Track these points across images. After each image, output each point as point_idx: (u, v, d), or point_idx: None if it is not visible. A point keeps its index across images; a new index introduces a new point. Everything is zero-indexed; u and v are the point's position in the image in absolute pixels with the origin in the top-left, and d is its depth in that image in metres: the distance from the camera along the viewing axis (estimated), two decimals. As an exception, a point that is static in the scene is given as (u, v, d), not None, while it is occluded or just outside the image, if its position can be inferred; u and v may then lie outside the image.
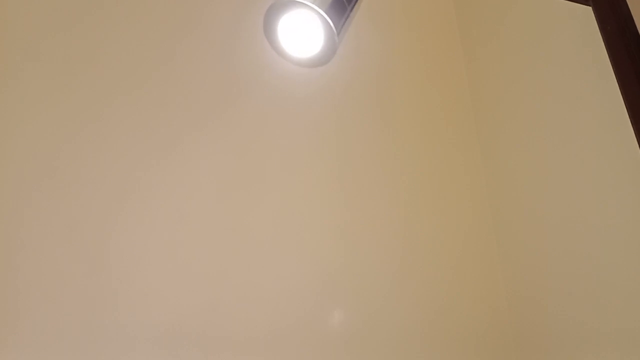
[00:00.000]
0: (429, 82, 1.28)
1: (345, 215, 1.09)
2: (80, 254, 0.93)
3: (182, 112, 1.08)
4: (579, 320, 0.93)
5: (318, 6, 0.73)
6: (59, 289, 0.90)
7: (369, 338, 1.00)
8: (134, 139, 1.03)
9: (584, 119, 0.95)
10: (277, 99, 1.12)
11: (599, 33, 0.85)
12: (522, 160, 1.13)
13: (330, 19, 0.73)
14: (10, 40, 1.03)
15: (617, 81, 0.82)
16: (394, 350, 1.00)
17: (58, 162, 0.99)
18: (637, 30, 0.78)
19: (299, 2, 0.73)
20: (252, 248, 1.02)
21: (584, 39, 0.94)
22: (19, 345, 0.85)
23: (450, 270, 1.11)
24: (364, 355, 0.98)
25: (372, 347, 1.00)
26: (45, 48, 1.05)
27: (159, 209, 1.00)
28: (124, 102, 1.06)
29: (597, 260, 0.90)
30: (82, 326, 0.88)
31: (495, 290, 1.11)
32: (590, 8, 0.88)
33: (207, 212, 1.02)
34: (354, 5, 0.77)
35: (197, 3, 1.16)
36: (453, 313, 1.07)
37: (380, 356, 0.99)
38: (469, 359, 1.03)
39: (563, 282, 0.98)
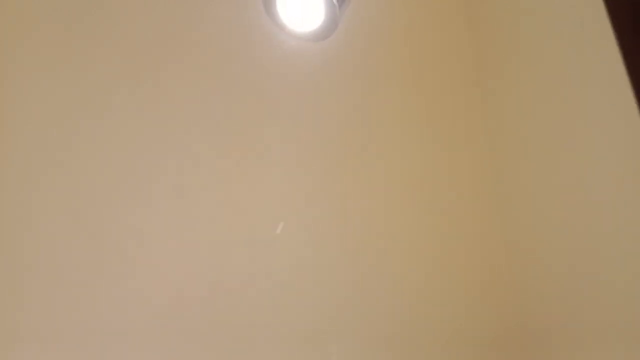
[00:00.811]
0: (436, 68, 1.24)
1: (346, 204, 1.07)
2: (81, 245, 0.93)
3: (178, 88, 1.07)
4: (584, 317, 0.92)
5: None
6: (60, 280, 0.90)
7: (366, 335, 1.00)
8: (134, 128, 1.02)
9: (593, 113, 0.92)
10: (277, 73, 1.09)
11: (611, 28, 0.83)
12: (528, 155, 1.10)
13: (332, -8, 0.71)
14: (16, 36, 1.01)
15: (628, 75, 0.80)
16: (394, 344, 1.00)
17: (60, 155, 0.98)
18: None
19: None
20: (251, 238, 1.01)
21: (592, 25, 0.91)
22: (20, 335, 0.86)
23: (455, 267, 1.09)
24: (362, 350, 0.99)
25: (371, 343, 1.00)
26: (49, 44, 1.04)
27: (160, 201, 0.99)
28: (123, 90, 1.05)
29: (603, 258, 0.88)
30: (84, 317, 0.88)
31: (501, 286, 1.10)
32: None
33: (206, 199, 1.02)
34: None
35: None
36: (458, 310, 1.05)
37: (379, 351, 1.00)
38: (473, 357, 1.03)
39: (569, 278, 0.97)
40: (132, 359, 0.89)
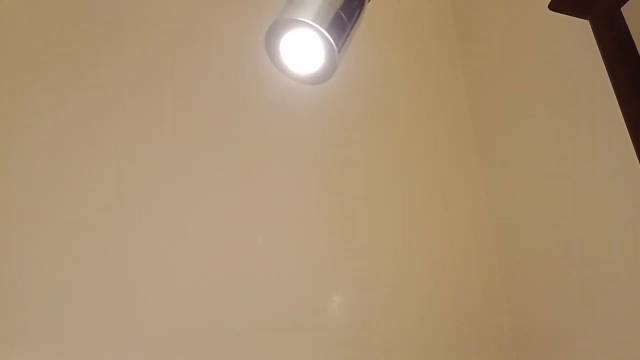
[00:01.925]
0: (429, 94, 1.30)
1: (345, 223, 1.10)
2: (82, 258, 0.94)
3: (185, 126, 1.09)
4: (579, 320, 0.93)
5: (319, 24, 0.74)
6: (61, 293, 0.90)
7: (366, 336, 1.01)
8: (136, 149, 1.04)
9: (581, 130, 0.96)
10: (278, 115, 1.13)
11: (597, 46, 0.86)
12: (520, 163, 1.14)
13: (331, 36, 0.74)
14: (19, 49, 1.05)
15: (615, 93, 0.83)
16: (391, 347, 1.01)
17: (62, 168, 0.99)
18: (634, 45, 0.79)
19: (300, 20, 0.74)
20: (252, 257, 1.03)
21: (582, 52, 0.95)
22: (20, 347, 0.85)
23: (449, 270, 1.11)
24: (361, 353, 0.99)
25: (370, 345, 1.00)
26: (51, 57, 1.07)
27: (160, 216, 1.01)
28: (126, 112, 1.07)
29: (598, 260, 0.90)
30: (83, 328, 0.88)
31: (494, 290, 1.12)
32: (587, 21, 0.90)
33: (207, 222, 1.03)
34: (354, 22, 0.78)
35: (199, 21, 1.18)
36: (451, 313, 1.07)
37: (378, 353, 1.00)
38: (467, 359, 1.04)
39: (564, 281, 0.98)
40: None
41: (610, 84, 0.84)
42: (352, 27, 0.77)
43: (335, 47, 0.75)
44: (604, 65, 0.85)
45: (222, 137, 1.10)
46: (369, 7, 0.82)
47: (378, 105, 1.23)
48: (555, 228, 1.01)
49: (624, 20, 0.82)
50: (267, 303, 0.99)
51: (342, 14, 0.76)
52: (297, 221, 1.08)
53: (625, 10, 0.81)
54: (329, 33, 0.74)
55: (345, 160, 1.15)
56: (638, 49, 0.79)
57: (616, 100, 0.82)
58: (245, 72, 1.13)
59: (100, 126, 1.05)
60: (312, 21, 0.73)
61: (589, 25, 0.88)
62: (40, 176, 0.97)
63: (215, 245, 1.02)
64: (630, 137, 0.78)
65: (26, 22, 1.07)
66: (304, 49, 0.78)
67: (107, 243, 0.96)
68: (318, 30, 0.73)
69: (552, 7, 0.91)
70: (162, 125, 1.08)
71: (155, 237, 0.99)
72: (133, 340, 0.90)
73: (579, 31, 0.95)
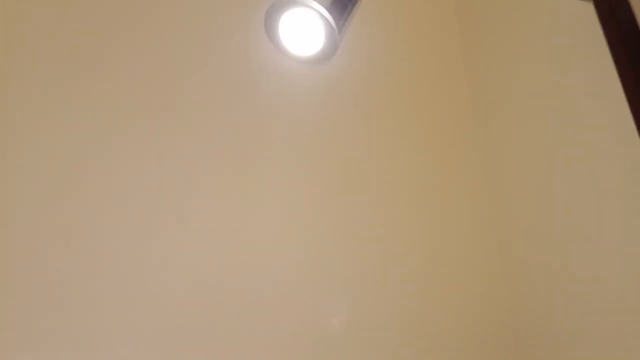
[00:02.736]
0: (429, 80, 1.28)
1: (345, 213, 1.09)
2: (78, 255, 0.94)
3: (182, 111, 1.09)
4: (578, 318, 0.94)
5: (319, 4, 0.73)
6: (58, 291, 0.91)
7: (367, 338, 1.01)
8: (133, 138, 1.04)
9: (585, 117, 0.95)
10: (278, 97, 1.12)
11: (600, 30, 0.85)
12: (522, 161, 1.12)
13: (332, 17, 0.73)
14: (18, 46, 1.04)
15: (620, 79, 0.82)
16: (392, 349, 1.01)
17: (56, 161, 0.99)
18: (637, 27, 0.78)
19: (300, 1, 0.73)
20: (252, 248, 1.03)
21: (585, 35, 0.94)
22: (19, 346, 0.86)
23: (449, 270, 1.11)
24: (363, 355, 0.99)
25: (371, 348, 1.00)
26: (48, 51, 1.06)
27: (158, 208, 1.01)
28: (122, 102, 1.07)
29: (597, 259, 0.90)
30: (80, 326, 0.89)
31: (496, 288, 1.11)
32: (591, 4, 0.88)
33: (206, 209, 1.03)
34: (355, 3, 0.77)
35: (199, 3, 1.16)
36: (454, 313, 1.07)
37: (379, 356, 1.00)
38: (468, 358, 1.04)
39: (563, 280, 0.98)
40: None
41: (614, 67, 0.83)
42: (352, 8, 0.76)
43: (335, 27, 0.74)
44: (607, 50, 0.85)
45: (220, 120, 1.09)
46: (370, -12, 0.80)
47: (378, 86, 1.22)
48: (555, 227, 1.00)
49: (629, 4, 0.81)
50: (264, 287, 0.99)
51: (343, -6, 0.75)
52: (295, 206, 1.08)
53: (630, -7, 0.80)
54: (329, 13, 0.73)
55: (345, 142, 1.15)
56: (642, 32, 0.78)
57: (620, 85, 0.81)
58: (244, 54, 1.12)
59: (97, 114, 1.04)
60: (313, 1, 0.72)
61: (593, 8, 0.87)
62: (37, 174, 0.97)
63: (213, 232, 1.01)
64: (635, 126, 0.78)
65: (26, 21, 1.06)
66: (303, 30, 0.77)
67: (102, 237, 0.96)
68: (318, 11, 0.73)
69: (556, -11, 0.89)
70: (159, 111, 1.07)
71: (152, 232, 0.99)
72: (133, 339, 0.90)
73: (582, 14, 0.93)
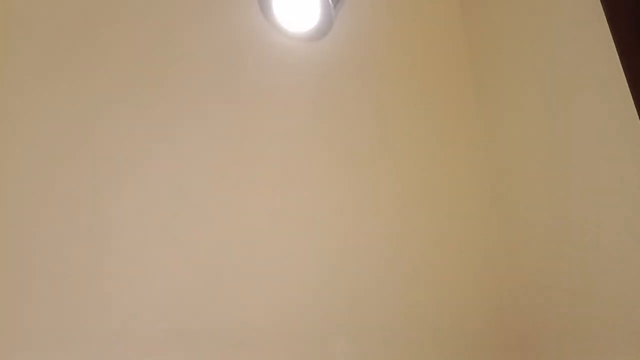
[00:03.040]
0: (432, 67, 1.24)
1: (343, 197, 1.08)
2: (74, 241, 0.93)
3: (178, 90, 1.07)
4: (582, 318, 0.93)
5: (314, -22, 0.71)
6: (58, 290, 0.90)
7: (367, 338, 1.00)
8: (129, 118, 1.02)
9: (582, 85, 0.93)
10: (273, 74, 1.10)
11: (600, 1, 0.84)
12: (527, 155, 1.10)
13: (327, -9, 0.72)
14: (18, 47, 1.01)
15: (617, 49, 0.81)
16: (392, 348, 1.01)
17: (57, 159, 0.98)
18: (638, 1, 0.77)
19: (294, -26, 0.71)
20: (249, 232, 1.01)
21: (584, 6, 0.92)
22: (20, 346, 0.86)
23: (456, 268, 1.09)
24: (365, 348, 0.99)
25: (371, 347, 1.00)
26: (38, 22, 1.03)
27: (154, 192, 0.99)
28: (117, 81, 1.04)
29: (601, 258, 0.88)
30: (80, 326, 0.88)
31: (500, 287, 1.10)
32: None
33: (202, 192, 1.01)
34: (350, -24, 0.76)
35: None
36: (457, 310, 1.06)
37: (380, 348, 1.00)
38: (472, 357, 1.04)
39: (567, 279, 0.97)
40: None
41: (612, 40, 0.81)
42: (348, -18, 0.75)
43: (331, 2, 0.72)
44: (606, 21, 0.83)
45: (215, 99, 1.07)
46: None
47: (375, 62, 1.19)
48: (560, 226, 0.98)
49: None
50: (262, 266, 0.99)
51: (338, -33, 0.73)
52: (295, 182, 1.07)
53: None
54: (324, -12, 0.71)
55: (340, 120, 1.13)
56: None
57: (617, 55, 0.80)
58: (237, 30, 1.09)
59: (93, 92, 1.02)
60: (307, -25, 0.70)
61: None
62: (36, 173, 0.96)
63: (211, 207, 1.01)
64: (631, 93, 0.77)
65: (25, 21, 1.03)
66: (298, 5, 0.76)
67: (102, 237, 0.95)
68: (313, -15, 0.71)
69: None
70: (155, 91, 1.05)
71: (149, 217, 0.97)
72: (132, 338, 0.90)
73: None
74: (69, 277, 0.92)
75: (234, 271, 0.98)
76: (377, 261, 1.06)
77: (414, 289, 1.06)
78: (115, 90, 1.04)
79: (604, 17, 0.84)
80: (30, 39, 1.03)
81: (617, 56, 0.81)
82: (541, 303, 1.05)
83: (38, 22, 1.04)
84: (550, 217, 1.03)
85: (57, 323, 0.89)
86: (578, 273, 0.95)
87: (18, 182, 0.96)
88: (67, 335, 0.88)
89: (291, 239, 1.02)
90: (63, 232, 0.94)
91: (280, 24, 0.79)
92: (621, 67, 0.81)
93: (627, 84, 0.80)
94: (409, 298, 1.05)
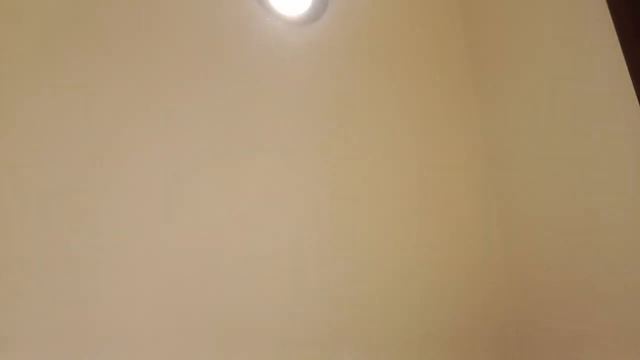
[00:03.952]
0: (429, 54, 1.22)
1: (339, 178, 1.07)
2: (74, 239, 0.92)
3: (172, 71, 1.05)
4: (581, 317, 0.92)
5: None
6: (58, 290, 0.89)
7: (368, 337, 1.00)
8: (120, 104, 1.01)
9: (592, 108, 0.90)
10: (267, 58, 1.08)
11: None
12: (526, 152, 1.09)
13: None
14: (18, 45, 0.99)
15: (618, 37, 0.80)
16: (392, 347, 1.01)
17: (52, 152, 0.96)
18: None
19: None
20: (243, 212, 1.01)
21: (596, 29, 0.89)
22: (20, 346, 0.86)
23: (457, 269, 1.08)
24: (362, 347, 0.99)
25: (371, 346, 1.00)
26: (35, 24, 1.02)
27: (149, 172, 0.98)
28: (109, 67, 1.03)
29: (602, 257, 0.87)
30: (80, 326, 0.88)
31: (501, 288, 1.10)
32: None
33: (197, 172, 1.00)
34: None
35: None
36: (459, 311, 1.05)
37: (382, 350, 1.00)
38: (473, 356, 1.04)
39: (568, 278, 0.96)
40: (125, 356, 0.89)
41: (615, 31, 0.80)
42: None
43: (324, -16, 0.71)
44: (607, 9, 0.81)
45: (208, 83, 1.06)
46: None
47: (369, 45, 1.17)
48: (560, 225, 0.96)
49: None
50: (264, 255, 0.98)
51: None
52: (289, 169, 1.05)
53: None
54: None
55: (333, 104, 1.11)
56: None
57: (620, 46, 0.79)
58: (230, 14, 1.08)
59: (86, 70, 1.01)
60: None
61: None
62: (35, 171, 0.95)
63: (206, 193, 1.00)
64: (632, 82, 0.76)
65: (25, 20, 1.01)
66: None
67: (101, 236, 0.94)
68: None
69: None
70: (149, 72, 1.04)
71: (143, 199, 0.96)
72: (132, 339, 0.89)
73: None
74: (61, 270, 0.90)
75: (230, 267, 0.97)
76: (372, 257, 1.05)
77: (412, 288, 1.06)
78: (107, 76, 1.02)
79: (607, 8, 0.83)
80: (16, 23, 1.01)
81: (620, 47, 0.80)
82: (541, 303, 1.04)
83: (27, 5, 1.03)
84: (551, 216, 1.01)
85: (49, 319, 0.88)
86: (577, 271, 0.93)
87: (9, 173, 0.95)
88: (60, 331, 0.87)
89: (282, 216, 1.01)
90: (54, 224, 0.93)
91: (273, 7, 0.77)
92: (623, 59, 0.80)
93: (629, 75, 0.79)
94: (408, 298, 1.04)
